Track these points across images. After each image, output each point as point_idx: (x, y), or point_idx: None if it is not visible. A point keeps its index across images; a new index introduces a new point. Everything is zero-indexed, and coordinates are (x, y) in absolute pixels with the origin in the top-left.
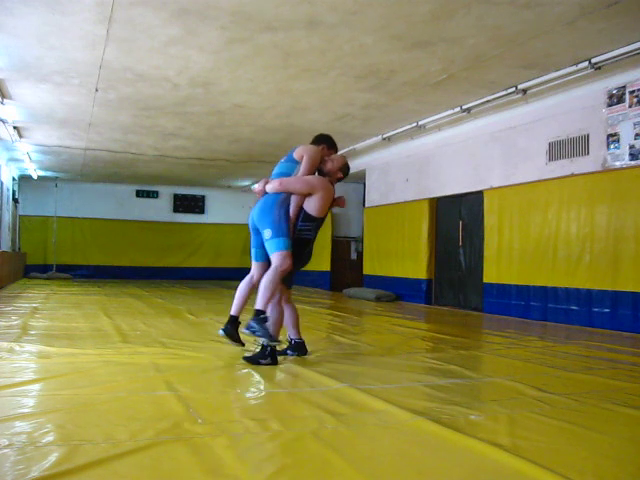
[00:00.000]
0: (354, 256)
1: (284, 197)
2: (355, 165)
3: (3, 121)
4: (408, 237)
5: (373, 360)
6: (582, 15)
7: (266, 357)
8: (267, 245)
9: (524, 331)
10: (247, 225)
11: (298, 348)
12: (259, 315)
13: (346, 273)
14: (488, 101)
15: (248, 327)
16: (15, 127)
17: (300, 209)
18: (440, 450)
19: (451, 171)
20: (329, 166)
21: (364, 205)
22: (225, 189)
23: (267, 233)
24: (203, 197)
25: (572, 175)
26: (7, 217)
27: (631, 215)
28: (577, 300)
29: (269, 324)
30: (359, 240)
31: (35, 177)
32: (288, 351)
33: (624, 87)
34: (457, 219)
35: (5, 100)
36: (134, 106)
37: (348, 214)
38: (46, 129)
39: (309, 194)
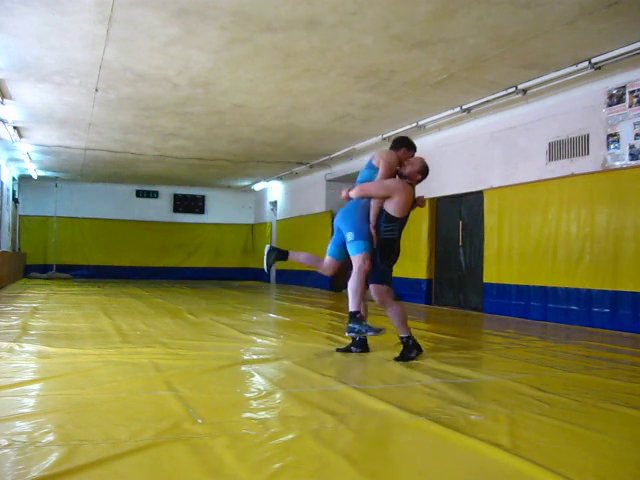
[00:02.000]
0: None
1: (364, 202)
2: (355, 165)
3: (3, 121)
4: (408, 237)
5: (373, 360)
6: (582, 15)
7: (412, 350)
8: (349, 247)
9: (524, 331)
10: (247, 225)
11: (362, 345)
12: (355, 316)
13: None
14: (488, 101)
15: (350, 330)
16: (15, 127)
17: (380, 211)
18: (440, 450)
19: (451, 171)
20: (409, 169)
21: None
22: (225, 189)
23: (349, 236)
24: (203, 197)
25: (572, 175)
26: (7, 217)
27: (631, 215)
28: (577, 300)
29: (365, 321)
30: None
31: (35, 177)
32: (352, 347)
33: (624, 87)
34: (457, 219)
35: (5, 100)
36: (134, 106)
37: None
38: (46, 129)
39: (388, 197)
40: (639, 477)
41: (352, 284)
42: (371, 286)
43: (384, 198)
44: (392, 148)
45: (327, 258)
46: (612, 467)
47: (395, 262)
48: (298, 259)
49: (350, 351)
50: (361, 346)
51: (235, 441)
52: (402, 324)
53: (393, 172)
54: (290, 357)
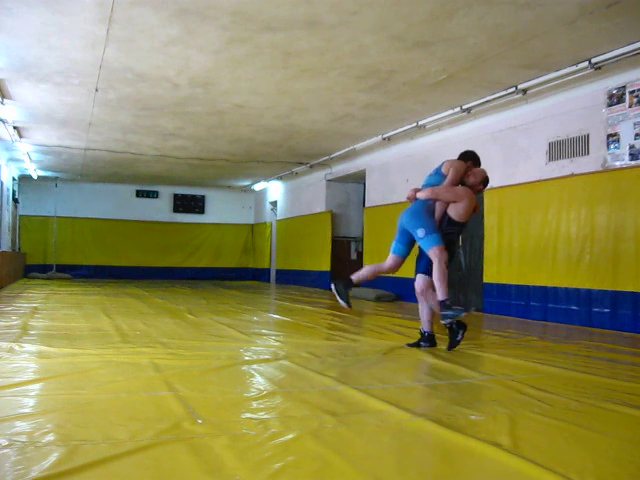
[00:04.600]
0: (354, 256)
1: (430, 204)
2: (355, 165)
3: (3, 121)
4: None
5: (373, 360)
6: (582, 15)
7: (426, 342)
8: (422, 243)
9: (524, 331)
10: (247, 225)
11: (430, 340)
12: (445, 303)
13: (346, 273)
14: (488, 101)
15: (444, 317)
16: (15, 127)
17: (443, 215)
18: (440, 450)
19: None
20: (472, 180)
21: (364, 205)
22: (225, 189)
23: (421, 232)
24: (203, 197)
25: (572, 175)
26: (7, 217)
27: (631, 215)
28: (577, 300)
29: (455, 306)
30: (359, 240)
31: (35, 177)
32: (422, 343)
33: (624, 87)
34: None
35: (5, 100)
36: (134, 106)
37: (348, 214)
38: (46, 129)
39: (454, 202)
40: (639, 477)
41: (437, 275)
42: (418, 275)
43: (449, 203)
44: (461, 159)
45: (392, 256)
46: (612, 467)
47: (450, 262)
48: (365, 278)
49: (420, 346)
50: (429, 341)
51: (235, 441)
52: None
53: (459, 180)
54: (290, 357)
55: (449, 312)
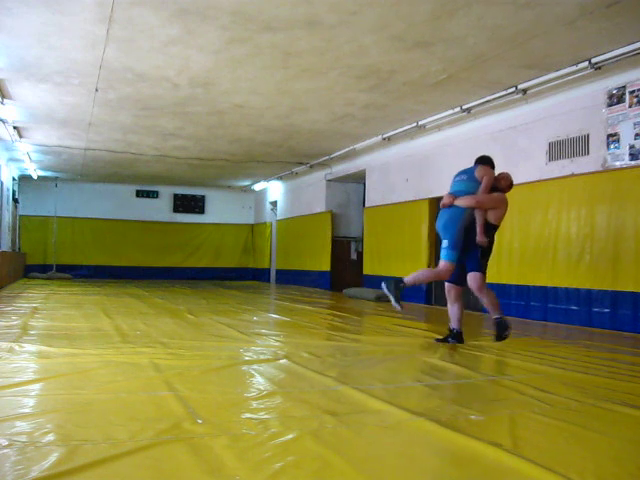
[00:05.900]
0: (354, 256)
1: (469, 213)
2: (355, 165)
3: (3, 121)
4: (408, 237)
5: (373, 360)
6: (582, 15)
7: (506, 328)
8: (442, 251)
9: (524, 331)
10: (247, 225)
11: (458, 337)
12: (399, 283)
13: (346, 273)
14: (488, 101)
15: (386, 285)
16: (15, 127)
17: (485, 220)
18: (440, 450)
19: (451, 171)
20: (503, 184)
21: (364, 205)
22: (225, 189)
23: (445, 242)
24: (203, 197)
25: (572, 175)
26: (7, 217)
27: (631, 215)
28: (577, 300)
29: (396, 298)
30: (359, 240)
31: (35, 177)
32: (449, 339)
33: (624, 87)
34: None
35: (5, 100)
36: (134, 106)
37: (348, 214)
38: (46, 129)
39: (493, 208)
40: (639, 477)
41: (426, 272)
42: (469, 274)
43: (490, 209)
44: (482, 163)
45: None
46: (612, 467)
47: (488, 257)
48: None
49: (447, 342)
50: (457, 338)
51: (235, 441)
52: (495, 308)
53: (491, 187)
54: (290, 357)
55: (391, 288)
